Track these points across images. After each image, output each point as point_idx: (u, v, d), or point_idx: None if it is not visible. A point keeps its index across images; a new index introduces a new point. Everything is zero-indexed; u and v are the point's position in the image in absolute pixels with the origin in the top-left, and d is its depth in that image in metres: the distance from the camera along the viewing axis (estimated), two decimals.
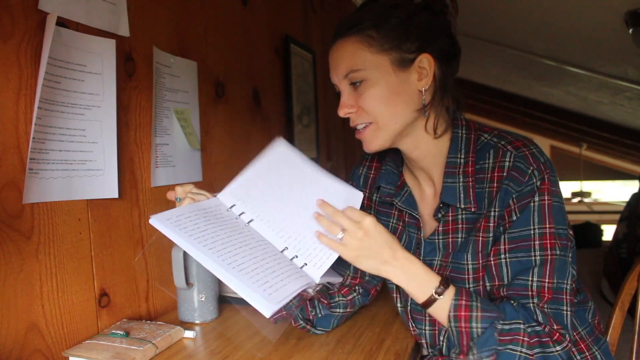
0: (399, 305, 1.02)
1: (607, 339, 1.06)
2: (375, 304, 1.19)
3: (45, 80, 0.86)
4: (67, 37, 0.92)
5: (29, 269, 0.86)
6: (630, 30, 1.90)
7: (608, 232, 4.99)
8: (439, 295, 0.82)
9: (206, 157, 1.42)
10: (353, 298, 1.07)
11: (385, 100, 0.86)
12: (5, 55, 0.82)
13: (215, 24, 1.47)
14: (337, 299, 1.05)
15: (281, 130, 1.95)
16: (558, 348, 0.78)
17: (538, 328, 0.79)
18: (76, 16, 0.94)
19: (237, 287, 0.75)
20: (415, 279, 0.83)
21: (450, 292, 0.82)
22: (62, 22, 0.91)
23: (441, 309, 0.82)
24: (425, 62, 0.86)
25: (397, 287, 1.01)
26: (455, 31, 0.91)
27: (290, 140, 2.00)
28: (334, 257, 0.87)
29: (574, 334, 0.93)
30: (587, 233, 4.75)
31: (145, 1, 1.16)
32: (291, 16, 2.08)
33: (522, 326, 0.78)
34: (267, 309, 0.74)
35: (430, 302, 0.82)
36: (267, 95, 1.82)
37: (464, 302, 0.80)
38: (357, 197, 0.90)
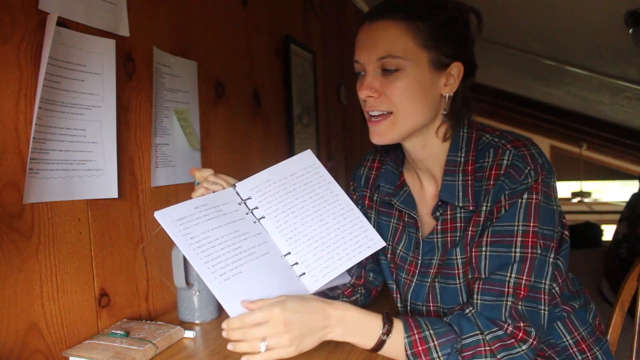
0: (399, 305, 1.02)
1: (607, 339, 1.06)
2: (376, 304, 1.18)
3: (45, 80, 0.86)
4: (67, 37, 0.92)
5: (29, 269, 0.86)
6: (630, 30, 1.90)
7: (608, 232, 4.99)
8: (387, 335, 0.78)
9: (206, 157, 1.42)
10: (356, 299, 1.07)
11: (412, 95, 0.85)
12: (5, 55, 0.82)
13: (215, 24, 1.47)
14: (340, 300, 1.04)
15: (281, 130, 1.95)
16: (524, 347, 0.78)
17: (499, 332, 0.78)
18: (76, 16, 0.94)
19: (220, 300, 0.76)
20: (356, 327, 0.78)
21: (398, 327, 0.79)
22: (62, 22, 0.91)
23: (394, 350, 0.79)
24: (456, 70, 0.86)
25: (397, 286, 1.01)
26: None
27: (290, 140, 2.00)
28: (334, 274, 0.87)
29: (575, 334, 0.93)
30: (587, 233, 4.74)
31: (145, 1, 1.16)
32: (291, 16, 2.08)
33: (480, 337, 0.78)
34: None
35: (380, 344, 0.78)
36: (267, 95, 1.82)
37: (417, 336, 0.78)
38: (375, 241, 0.91)
